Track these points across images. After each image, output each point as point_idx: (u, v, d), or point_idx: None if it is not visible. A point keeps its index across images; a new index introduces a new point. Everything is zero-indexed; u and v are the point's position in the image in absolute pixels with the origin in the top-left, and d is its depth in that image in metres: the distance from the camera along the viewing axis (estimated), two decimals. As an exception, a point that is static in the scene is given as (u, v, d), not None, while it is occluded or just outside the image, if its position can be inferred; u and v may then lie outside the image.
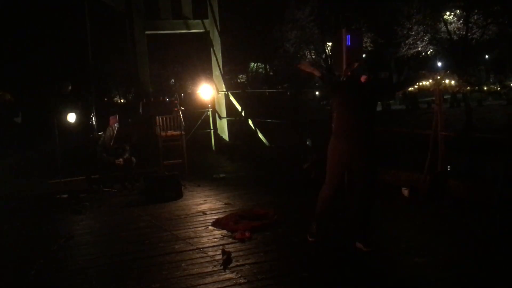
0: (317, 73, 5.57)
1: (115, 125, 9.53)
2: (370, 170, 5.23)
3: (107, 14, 20.84)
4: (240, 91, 16.92)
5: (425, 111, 28.45)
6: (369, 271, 4.73)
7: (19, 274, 5.13)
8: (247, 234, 5.79)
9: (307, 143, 8.55)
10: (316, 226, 5.49)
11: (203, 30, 13.60)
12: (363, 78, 5.31)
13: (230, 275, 4.70)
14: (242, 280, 4.56)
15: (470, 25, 27.84)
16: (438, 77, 6.82)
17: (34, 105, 14.08)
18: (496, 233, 5.51)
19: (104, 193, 8.81)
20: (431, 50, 31.74)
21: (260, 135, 12.69)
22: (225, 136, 13.67)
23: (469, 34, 28.01)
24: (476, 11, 27.33)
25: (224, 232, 6.09)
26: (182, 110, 10.27)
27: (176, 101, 10.43)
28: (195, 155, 11.44)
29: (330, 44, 31.39)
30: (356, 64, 5.43)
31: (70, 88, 11.01)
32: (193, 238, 5.97)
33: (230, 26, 24.24)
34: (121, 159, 9.18)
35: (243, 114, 13.16)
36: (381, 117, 28.13)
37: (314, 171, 8.28)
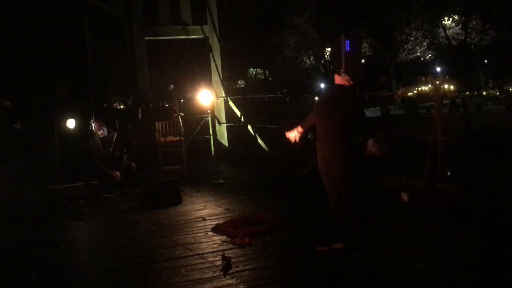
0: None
1: (101, 129, 9.43)
2: (345, 179, 5.16)
3: (106, 20, 20.88)
4: (239, 96, 16.95)
5: (424, 116, 28.48)
6: (370, 277, 4.73)
7: (19, 280, 5.12)
8: (247, 239, 5.78)
9: (309, 136, 8.53)
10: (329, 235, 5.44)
11: (202, 36, 13.61)
12: (345, 80, 5.26)
13: (230, 281, 4.69)
14: (242, 286, 4.55)
15: (468, 30, 27.92)
16: (437, 82, 6.80)
17: (34, 111, 14.09)
18: (496, 238, 5.51)
19: (103, 199, 8.79)
20: (430, 55, 31.81)
21: (259, 140, 12.69)
22: (225, 142, 13.67)
23: (467, 39, 28.08)
24: (474, 16, 27.41)
25: (224, 237, 6.08)
26: (181, 116, 10.27)
27: (175, 107, 10.43)
28: (194, 160, 11.43)
29: (329, 49, 31.45)
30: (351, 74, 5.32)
31: (66, 91, 11.03)
32: (192, 244, 5.96)
33: (230, 32, 24.29)
34: (118, 172, 9.13)
35: (242, 119, 13.16)
36: (380, 122, 28.24)
37: (314, 176, 8.27)
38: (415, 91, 8.36)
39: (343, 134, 5.12)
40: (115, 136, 9.45)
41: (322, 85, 36.37)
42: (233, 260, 5.16)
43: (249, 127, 13.00)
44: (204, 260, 5.30)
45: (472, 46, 28.48)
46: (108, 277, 5.08)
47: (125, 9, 12.83)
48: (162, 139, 10.24)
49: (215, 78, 13.93)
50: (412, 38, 29.16)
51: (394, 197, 7.38)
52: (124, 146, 9.59)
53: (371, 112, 33.66)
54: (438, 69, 34.41)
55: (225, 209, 7.62)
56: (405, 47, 29.82)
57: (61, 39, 24.28)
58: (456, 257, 5.02)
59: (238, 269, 4.97)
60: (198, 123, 12.71)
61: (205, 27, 13.52)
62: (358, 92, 7.25)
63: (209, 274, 4.88)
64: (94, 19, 15.36)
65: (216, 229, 6.44)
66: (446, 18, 28.96)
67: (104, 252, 5.98)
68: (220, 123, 13.69)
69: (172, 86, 39.96)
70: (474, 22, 27.66)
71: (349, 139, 5.14)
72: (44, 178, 10.44)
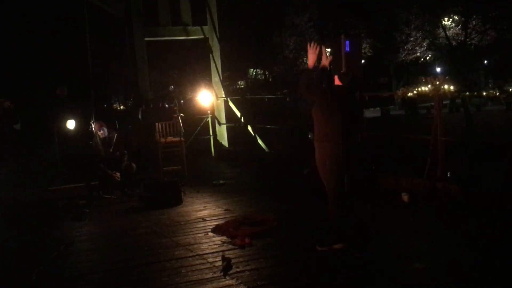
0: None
1: (101, 130, 9.40)
2: (338, 179, 5.21)
3: (107, 21, 20.89)
4: (239, 97, 16.95)
5: (424, 116, 28.47)
6: (370, 277, 4.73)
7: (20, 280, 5.13)
8: (247, 240, 5.79)
9: (309, 136, 8.54)
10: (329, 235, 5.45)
11: (202, 36, 13.63)
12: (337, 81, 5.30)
13: (230, 282, 4.69)
14: (242, 287, 4.55)
15: (468, 30, 27.89)
16: (437, 83, 6.79)
17: (34, 112, 14.10)
18: (496, 238, 5.51)
19: (104, 200, 8.79)
20: (430, 56, 31.77)
21: (259, 141, 12.69)
22: (225, 142, 13.68)
23: (468, 39, 28.05)
24: (474, 16, 27.38)
25: (224, 238, 6.08)
26: (181, 117, 10.28)
27: (175, 108, 10.44)
28: (194, 161, 11.43)
29: (329, 50, 31.40)
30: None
31: (66, 92, 11.04)
32: (193, 244, 5.96)
33: (230, 33, 24.29)
34: (118, 173, 9.12)
35: (242, 120, 13.16)
36: (380, 123, 28.21)
37: (314, 177, 8.27)
38: (415, 91, 8.37)
39: (340, 135, 5.14)
40: (115, 137, 9.45)
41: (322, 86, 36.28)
42: (233, 261, 5.17)
43: (249, 128, 13.01)
44: (204, 261, 5.30)
45: (472, 46, 28.45)
46: (108, 277, 5.08)
47: (125, 9, 12.86)
48: (162, 140, 10.25)
49: (215, 78, 13.94)
50: (412, 39, 29.13)
51: (394, 197, 7.39)
52: (124, 146, 9.59)
53: (371, 112, 33.63)
54: (438, 69, 34.40)
55: (225, 210, 7.62)
56: (405, 47, 29.79)
57: (61, 39, 24.27)
58: (456, 257, 5.02)
59: (238, 269, 4.97)
60: (198, 124, 12.71)
61: (205, 27, 13.54)
62: (358, 93, 7.27)
63: (209, 275, 4.88)
64: (94, 19, 15.34)
65: (216, 230, 6.44)
66: (446, 19, 28.92)
67: (104, 252, 5.98)
68: (220, 124, 13.70)
69: (172, 86, 39.92)
70: (474, 22, 27.62)
71: (346, 140, 5.15)
72: (45, 178, 10.44)
